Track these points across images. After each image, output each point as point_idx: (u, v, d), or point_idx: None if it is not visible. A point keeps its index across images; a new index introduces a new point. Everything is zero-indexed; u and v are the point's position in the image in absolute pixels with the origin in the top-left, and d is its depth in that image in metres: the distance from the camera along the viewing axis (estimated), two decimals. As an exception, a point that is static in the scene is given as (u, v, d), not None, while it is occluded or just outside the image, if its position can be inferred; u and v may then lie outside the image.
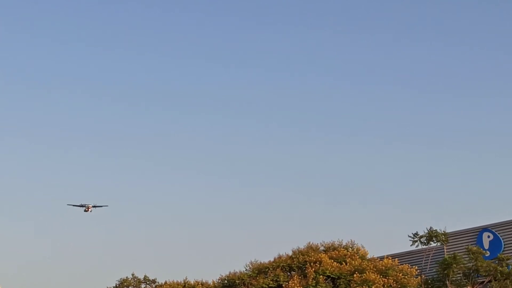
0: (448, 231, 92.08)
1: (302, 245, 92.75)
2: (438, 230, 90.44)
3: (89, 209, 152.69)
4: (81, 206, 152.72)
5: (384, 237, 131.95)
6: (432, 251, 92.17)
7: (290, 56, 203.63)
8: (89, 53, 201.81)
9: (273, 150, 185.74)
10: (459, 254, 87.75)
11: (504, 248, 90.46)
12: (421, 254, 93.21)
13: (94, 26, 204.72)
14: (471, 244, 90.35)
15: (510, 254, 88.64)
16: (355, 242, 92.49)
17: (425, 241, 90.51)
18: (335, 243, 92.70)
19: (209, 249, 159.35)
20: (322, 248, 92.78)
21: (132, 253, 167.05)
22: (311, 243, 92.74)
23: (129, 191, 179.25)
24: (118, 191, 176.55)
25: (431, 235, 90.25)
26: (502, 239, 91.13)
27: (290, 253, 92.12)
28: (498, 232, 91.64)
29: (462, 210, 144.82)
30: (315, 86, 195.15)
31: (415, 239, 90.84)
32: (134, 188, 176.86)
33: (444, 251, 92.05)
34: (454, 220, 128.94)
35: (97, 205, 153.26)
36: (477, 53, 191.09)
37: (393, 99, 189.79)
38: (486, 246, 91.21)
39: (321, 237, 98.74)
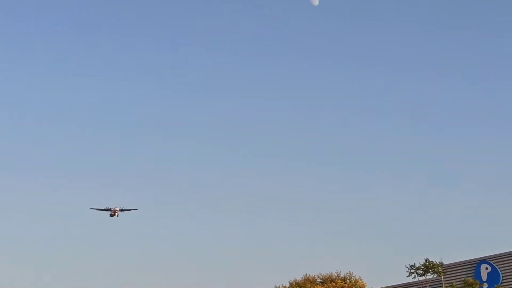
0: (446, 263, 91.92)
1: (299, 277, 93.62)
2: (434, 262, 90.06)
3: (116, 214, 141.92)
4: (107, 210, 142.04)
5: (382, 269, 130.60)
6: (429, 282, 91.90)
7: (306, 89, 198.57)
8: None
9: (274, 184, 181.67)
10: (457, 286, 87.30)
11: (502, 279, 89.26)
12: (419, 285, 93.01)
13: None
14: (469, 276, 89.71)
15: (509, 286, 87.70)
16: (353, 274, 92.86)
17: (421, 273, 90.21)
18: (333, 274, 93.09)
19: (207, 280, 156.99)
20: (319, 279, 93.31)
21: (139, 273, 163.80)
22: (308, 275, 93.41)
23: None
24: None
25: (427, 267, 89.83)
26: (500, 271, 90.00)
27: (287, 285, 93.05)
28: (496, 264, 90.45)
29: (460, 242, 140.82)
30: (325, 119, 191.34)
31: (412, 271, 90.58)
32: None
33: (442, 283, 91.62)
34: (452, 251, 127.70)
35: (124, 208, 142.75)
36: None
37: (394, 134, 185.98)
38: (484, 278, 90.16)
39: (318, 268, 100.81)
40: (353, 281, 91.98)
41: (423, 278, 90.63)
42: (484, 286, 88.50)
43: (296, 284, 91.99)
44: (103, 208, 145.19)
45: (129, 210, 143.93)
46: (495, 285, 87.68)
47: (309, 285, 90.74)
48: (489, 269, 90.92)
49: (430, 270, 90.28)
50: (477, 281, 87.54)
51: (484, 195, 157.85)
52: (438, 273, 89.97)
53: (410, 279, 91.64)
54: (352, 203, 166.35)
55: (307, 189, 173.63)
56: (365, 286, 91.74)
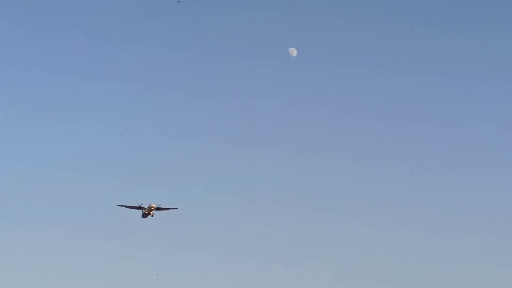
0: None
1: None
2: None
3: (151, 213, 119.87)
4: (138, 208, 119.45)
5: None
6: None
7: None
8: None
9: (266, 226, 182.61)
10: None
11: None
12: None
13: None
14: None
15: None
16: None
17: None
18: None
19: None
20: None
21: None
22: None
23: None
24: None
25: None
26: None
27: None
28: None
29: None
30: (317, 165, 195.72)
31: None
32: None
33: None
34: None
35: (162, 206, 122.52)
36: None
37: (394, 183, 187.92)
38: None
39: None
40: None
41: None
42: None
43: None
44: (133, 205, 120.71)
45: (167, 209, 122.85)
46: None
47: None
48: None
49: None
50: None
51: (486, 246, 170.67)
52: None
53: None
54: (356, 255, 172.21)
55: (310, 234, 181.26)
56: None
